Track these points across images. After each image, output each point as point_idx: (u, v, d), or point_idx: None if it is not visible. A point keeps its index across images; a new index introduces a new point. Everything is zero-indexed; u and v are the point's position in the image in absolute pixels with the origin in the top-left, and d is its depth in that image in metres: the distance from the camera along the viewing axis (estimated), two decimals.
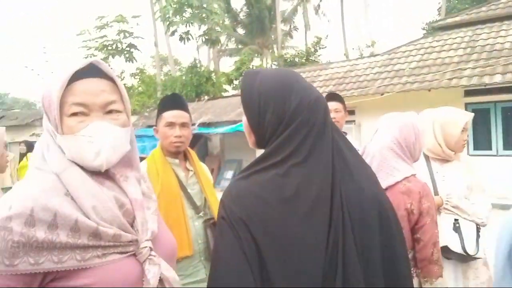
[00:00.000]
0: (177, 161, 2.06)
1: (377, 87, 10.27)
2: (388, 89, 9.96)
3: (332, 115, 3.23)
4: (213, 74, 19.85)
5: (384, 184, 1.81)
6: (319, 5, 28.81)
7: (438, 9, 24.03)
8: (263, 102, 1.08)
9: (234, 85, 20.65)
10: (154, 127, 2.11)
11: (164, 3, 18.23)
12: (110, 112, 1.01)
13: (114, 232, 0.95)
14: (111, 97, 1.01)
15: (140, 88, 19.89)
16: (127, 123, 1.05)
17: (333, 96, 3.27)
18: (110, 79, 1.03)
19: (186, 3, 17.21)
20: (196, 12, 17.83)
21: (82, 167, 0.98)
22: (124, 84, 20.77)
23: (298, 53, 20.69)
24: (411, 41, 12.06)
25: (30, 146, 7.57)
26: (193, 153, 2.18)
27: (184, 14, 17.88)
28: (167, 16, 17.43)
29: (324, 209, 1.01)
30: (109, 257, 0.94)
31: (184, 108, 2.08)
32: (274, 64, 21.18)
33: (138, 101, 18.50)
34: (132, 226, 1.02)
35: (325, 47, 20.00)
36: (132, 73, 21.94)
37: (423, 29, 24.03)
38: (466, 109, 8.68)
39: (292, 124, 1.04)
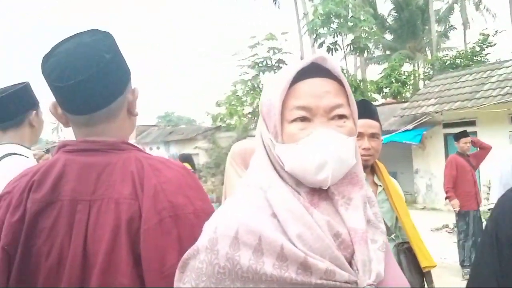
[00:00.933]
0: (364, 175, 1.85)
1: None
2: None
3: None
4: (361, 83, 19.25)
5: None
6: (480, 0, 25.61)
7: None
8: None
9: (383, 93, 19.65)
10: None
11: (311, 16, 18.51)
12: (335, 117, 0.83)
13: (326, 266, 0.75)
14: (337, 100, 0.84)
15: None
16: (354, 131, 0.86)
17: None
18: (337, 79, 0.86)
19: (333, 14, 17.15)
20: (344, 21, 17.62)
21: (297, 184, 0.84)
22: None
23: (460, 53, 18.54)
24: None
25: (184, 159, 8.38)
26: (382, 167, 1.94)
27: (331, 25, 17.85)
28: (315, 28, 17.62)
29: None
30: None
31: (374, 116, 1.86)
32: (429, 68, 19.45)
33: None
34: (350, 263, 0.80)
35: (494, 44, 17.43)
36: None
37: None
38: None
39: None
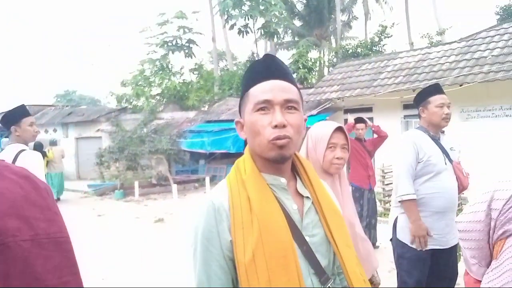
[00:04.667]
0: (282, 180, 1.15)
1: (454, 77, 9.33)
2: (468, 79, 8.99)
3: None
4: None
5: None
6: None
7: None
8: None
9: None
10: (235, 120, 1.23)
11: None
12: None
13: None
14: None
15: (199, 84, 20.02)
16: None
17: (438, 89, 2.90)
18: None
19: None
20: (255, 4, 17.62)
21: None
22: (183, 80, 21.21)
23: (361, 43, 19.71)
24: (492, 26, 10.88)
25: (36, 147, 8.97)
26: (305, 162, 1.22)
27: (243, 7, 17.74)
28: (226, 9, 17.37)
29: None
30: None
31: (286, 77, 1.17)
32: (334, 55, 20.42)
33: (197, 97, 18.63)
34: None
35: (391, 36, 18.85)
36: (191, 69, 22.15)
37: (497, 13, 21.93)
38: None
39: None
